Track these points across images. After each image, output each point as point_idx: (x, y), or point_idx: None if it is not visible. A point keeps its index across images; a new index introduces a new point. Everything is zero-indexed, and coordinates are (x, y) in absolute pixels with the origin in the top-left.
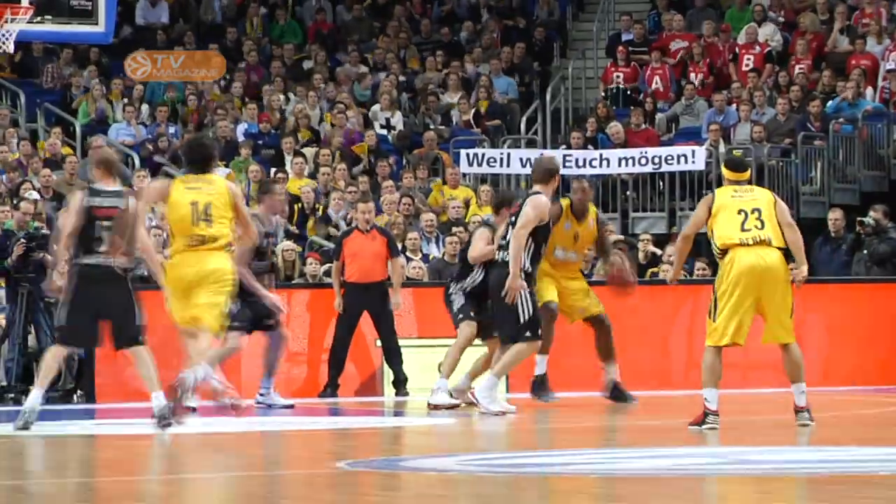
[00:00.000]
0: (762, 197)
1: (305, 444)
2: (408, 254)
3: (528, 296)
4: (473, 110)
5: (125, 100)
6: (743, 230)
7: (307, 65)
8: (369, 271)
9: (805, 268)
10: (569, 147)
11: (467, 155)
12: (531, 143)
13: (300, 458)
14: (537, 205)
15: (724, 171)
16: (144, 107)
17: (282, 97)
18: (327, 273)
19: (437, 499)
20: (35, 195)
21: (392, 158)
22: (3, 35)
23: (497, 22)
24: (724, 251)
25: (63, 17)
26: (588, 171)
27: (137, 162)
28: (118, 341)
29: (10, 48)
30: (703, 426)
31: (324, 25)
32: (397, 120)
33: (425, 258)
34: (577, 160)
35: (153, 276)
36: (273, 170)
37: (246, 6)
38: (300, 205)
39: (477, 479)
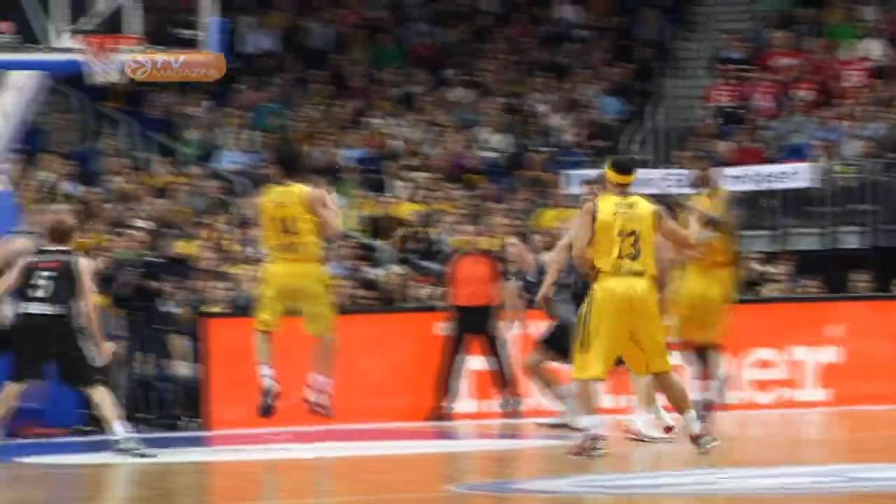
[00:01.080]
0: (644, 216)
1: (415, 467)
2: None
3: None
4: (578, 131)
5: (232, 127)
6: (618, 258)
7: (411, 89)
8: (476, 295)
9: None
10: (674, 166)
11: (573, 176)
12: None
13: (411, 481)
14: None
15: (609, 173)
16: (251, 133)
17: (386, 121)
18: (433, 296)
19: None
20: (145, 224)
21: (497, 181)
22: (112, 65)
23: (601, 42)
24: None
25: (171, 47)
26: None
27: (245, 188)
28: None
29: (119, 78)
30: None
31: (427, 49)
32: (502, 142)
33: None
34: (682, 179)
35: None
36: (378, 194)
37: (350, 32)
38: (405, 229)
39: (587, 502)
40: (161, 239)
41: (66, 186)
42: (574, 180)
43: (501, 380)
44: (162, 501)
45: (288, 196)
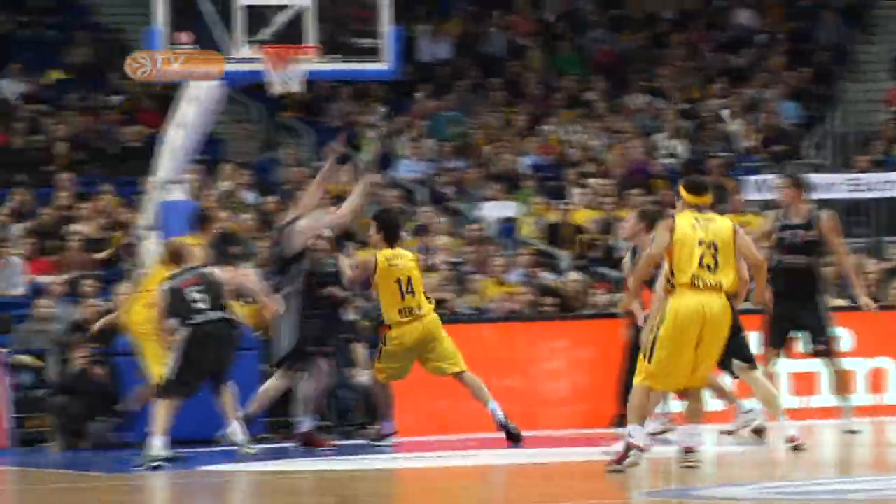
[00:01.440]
0: (723, 228)
1: (597, 475)
2: None
3: None
4: (757, 136)
5: (409, 135)
6: (699, 267)
7: (589, 96)
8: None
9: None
10: (856, 170)
11: (753, 181)
12: (817, 168)
13: (594, 489)
14: None
15: (684, 193)
16: (429, 142)
17: (564, 128)
18: (612, 303)
19: None
20: (327, 232)
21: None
22: (291, 75)
23: (779, 46)
24: (673, 287)
25: (349, 56)
26: (877, 193)
27: (424, 196)
28: None
29: (298, 88)
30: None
31: (605, 56)
32: (681, 147)
33: None
34: (865, 183)
35: None
36: (556, 201)
37: (527, 39)
38: (584, 235)
39: None
40: (342, 248)
41: (246, 196)
42: (752, 186)
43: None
44: None
45: (401, 259)
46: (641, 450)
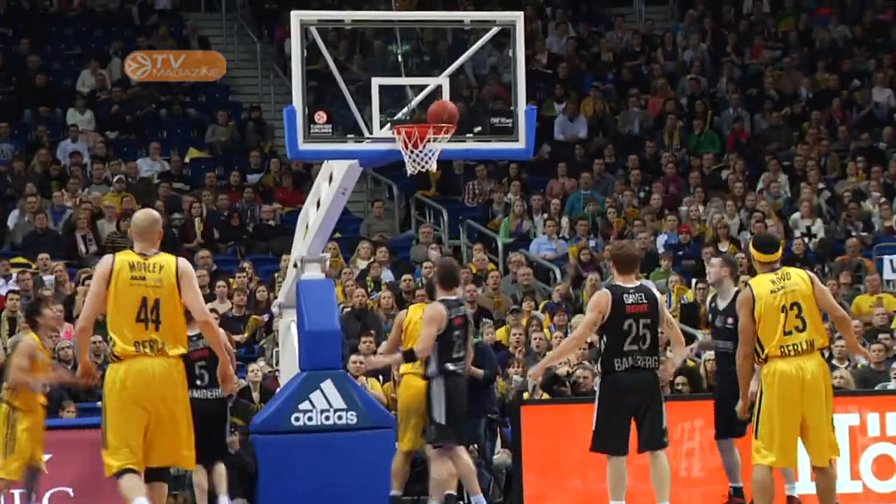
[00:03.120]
0: (801, 284)
1: None
2: (833, 361)
3: None
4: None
5: (545, 214)
6: (785, 334)
7: (725, 174)
8: None
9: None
10: None
11: (891, 261)
12: None
13: None
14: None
15: (755, 253)
16: (564, 220)
17: (701, 207)
18: None
19: None
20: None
21: (815, 267)
22: (428, 154)
23: None
24: (765, 360)
25: (484, 135)
26: None
27: (559, 275)
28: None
29: (433, 167)
30: None
31: (742, 135)
32: (818, 227)
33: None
34: None
35: None
36: (694, 280)
37: (664, 118)
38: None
39: None
40: (481, 325)
41: (384, 274)
42: (889, 266)
43: None
44: None
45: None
46: None
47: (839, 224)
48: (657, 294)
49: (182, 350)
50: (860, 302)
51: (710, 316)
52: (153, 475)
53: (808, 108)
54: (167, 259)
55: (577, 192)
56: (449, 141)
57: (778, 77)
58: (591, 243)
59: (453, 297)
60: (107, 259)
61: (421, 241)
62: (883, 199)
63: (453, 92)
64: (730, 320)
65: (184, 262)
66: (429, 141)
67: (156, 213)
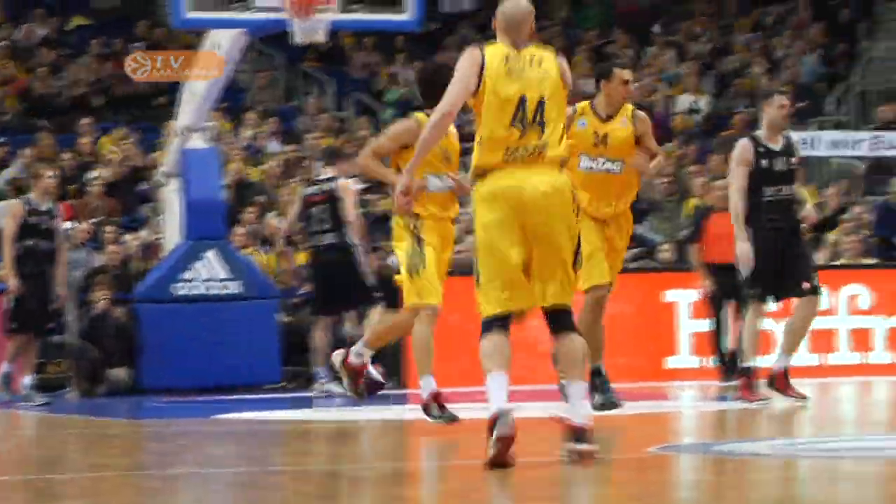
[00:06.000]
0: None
1: (629, 428)
2: None
3: None
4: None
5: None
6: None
7: (612, 49)
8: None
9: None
10: (878, 128)
11: None
12: (839, 125)
13: (615, 443)
14: None
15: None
16: None
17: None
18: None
19: (751, 483)
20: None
21: (699, 142)
22: (315, 25)
23: (804, 3)
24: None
25: (371, 6)
26: None
27: None
28: None
29: (322, 38)
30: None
31: (631, 9)
32: (704, 103)
33: None
34: (887, 141)
35: None
36: None
37: None
38: None
39: (788, 464)
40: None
41: (269, 144)
42: None
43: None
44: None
45: None
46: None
47: (722, 99)
48: None
49: None
50: None
51: None
52: None
53: None
54: None
55: None
56: (336, 12)
57: None
58: None
59: None
60: None
61: (305, 113)
62: (768, 75)
63: None
64: None
65: None
66: (317, 11)
67: None
